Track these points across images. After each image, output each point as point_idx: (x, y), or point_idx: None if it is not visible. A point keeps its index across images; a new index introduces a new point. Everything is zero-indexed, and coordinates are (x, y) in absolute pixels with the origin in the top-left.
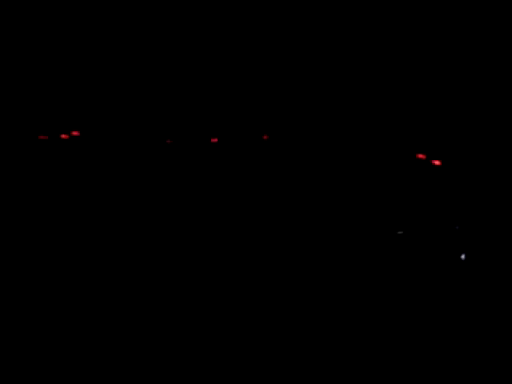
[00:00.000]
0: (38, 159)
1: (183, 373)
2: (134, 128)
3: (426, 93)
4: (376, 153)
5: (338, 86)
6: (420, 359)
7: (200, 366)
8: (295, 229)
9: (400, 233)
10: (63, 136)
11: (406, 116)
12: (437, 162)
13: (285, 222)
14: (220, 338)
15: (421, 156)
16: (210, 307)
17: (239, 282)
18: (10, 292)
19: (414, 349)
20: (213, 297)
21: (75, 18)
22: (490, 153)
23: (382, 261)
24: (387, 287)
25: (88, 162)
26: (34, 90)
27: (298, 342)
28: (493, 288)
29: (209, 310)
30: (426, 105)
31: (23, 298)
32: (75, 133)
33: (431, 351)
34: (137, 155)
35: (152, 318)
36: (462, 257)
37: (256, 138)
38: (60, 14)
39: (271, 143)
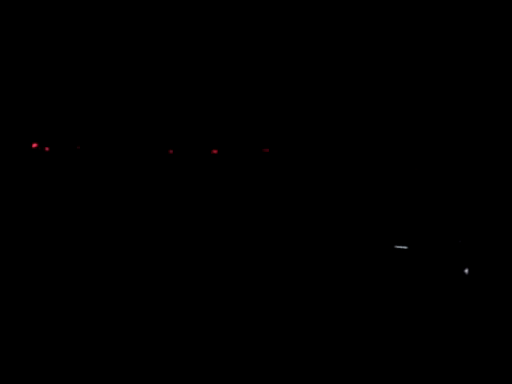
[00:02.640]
0: (39, 168)
1: (183, 373)
2: (134, 138)
3: (427, 105)
4: (378, 163)
5: (337, 95)
6: (421, 372)
7: (200, 366)
8: (295, 240)
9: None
10: (68, 146)
11: (407, 126)
12: (438, 174)
13: (285, 231)
14: (220, 338)
15: (423, 167)
16: (210, 309)
17: (238, 291)
18: (10, 293)
19: (415, 360)
20: (212, 300)
21: (74, 24)
22: (491, 163)
23: (384, 274)
24: (389, 301)
25: (88, 173)
26: (34, 97)
27: (296, 346)
28: (497, 302)
29: (209, 311)
30: (428, 115)
31: (23, 299)
32: (78, 147)
33: (433, 363)
34: (137, 165)
35: (152, 318)
36: (466, 271)
37: (257, 149)
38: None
39: (271, 154)
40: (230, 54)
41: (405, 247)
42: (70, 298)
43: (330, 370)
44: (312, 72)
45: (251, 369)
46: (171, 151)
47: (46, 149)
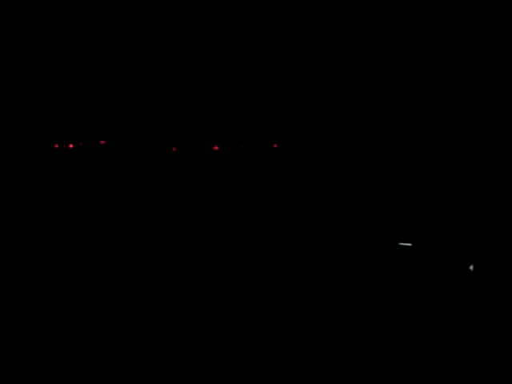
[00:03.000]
0: (45, 166)
1: (183, 373)
2: (138, 136)
3: (428, 105)
4: (380, 162)
5: (337, 94)
6: (425, 370)
7: (200, 366)
8: (296, 238)
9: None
10: (70, 145)
11: (412, 125)
12: (443, 172)
13: (284, 229)
14: (220, 338)
15: (429, 166)
16: (210, 308)
17: (240, 289)
18: (10, 292)
19: (418, 359)
20: (213, 299)
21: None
22: (494, 162)
23: (389, 272)
24: (393, 299)
25: (93, 170)
26: (41, 98)
27: (296, 344)
28: (502, 299)
29: (209, 311)
30: (431, 115)
31: (23, 299)
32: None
33: (436, 361)
34: (142, 163)
35: (152, 318)
36: (471, 268)
37: (260, 145)
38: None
39: (276, 151)
40: (233, 55)
41: (409, 244)
42: (75, 293)
43: (336, 366)
44: (315, 72)
45: (251, 367)
46: (174, 149)
47: (70, 146)
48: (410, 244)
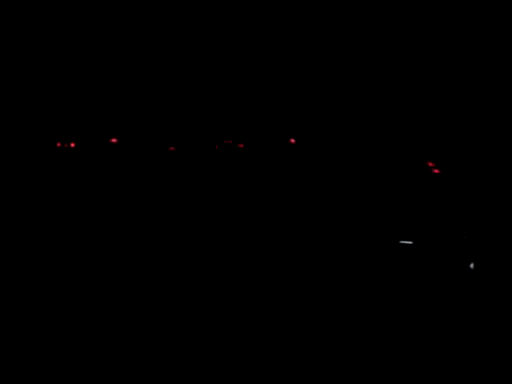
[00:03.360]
0: (45, 165)
1: (183, 373)
2: (137, 135)
3: (428, 104)
4: (383, 163)
5: (338, 93)
6: (426, 368)
7: (200, 366)
8: (297, 237)
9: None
10: (72, 144)
11: (413, 124)
12: (444, 171)
13: (285, 229)
14: (220, 338)
15: (430, 164)
16: (210, 307)
17: (241, 288)
18: (10, 292)
19: (419, 357)
20: (213, 297)
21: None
22: (495, 160)
23: (390, 270)
24: (394, 297)
25: (92, 169)
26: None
27: (296, 344)
28: (502, 297)
29: (209, 310)
30: (431, 115)
31: (23, 298)
32: (72, 144)
33: (437, 360)
34: (140, 162)
35: (152, 317)
36: (471, 266)
37: (260, 144)
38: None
39: (275, 149)
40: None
41: (410, 242)
42: (74, 294)
43: (336, 365)
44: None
45: (251, 368)
46: (173, 148)
47: (72, 145)
48: (410, 242)
